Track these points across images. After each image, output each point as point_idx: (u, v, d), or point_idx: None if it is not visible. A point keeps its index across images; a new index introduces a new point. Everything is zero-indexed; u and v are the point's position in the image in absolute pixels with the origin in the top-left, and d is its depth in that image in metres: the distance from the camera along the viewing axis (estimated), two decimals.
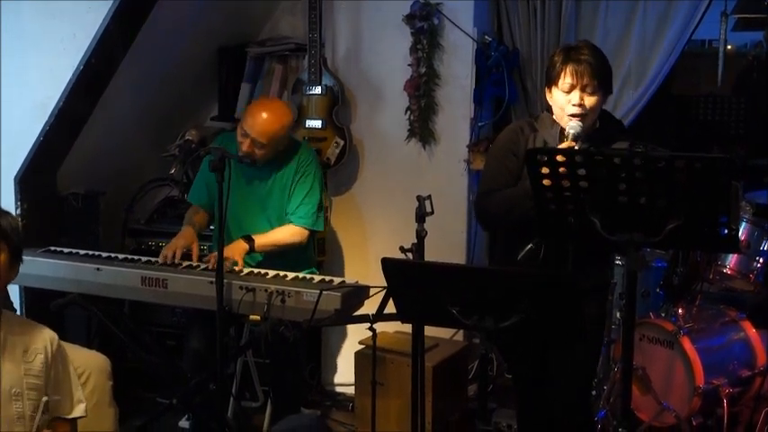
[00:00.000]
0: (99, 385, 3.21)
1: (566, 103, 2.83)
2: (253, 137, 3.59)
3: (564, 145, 2.78)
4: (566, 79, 2.83)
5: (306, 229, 3.73)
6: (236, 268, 3.50)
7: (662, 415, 3.73)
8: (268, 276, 3.48)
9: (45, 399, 2.58)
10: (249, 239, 3.61)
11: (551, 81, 2.88)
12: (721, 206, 2.33)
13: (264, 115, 3.62)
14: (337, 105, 4.30)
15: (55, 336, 2.65)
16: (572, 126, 2.80)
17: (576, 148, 2.76)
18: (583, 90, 2.82)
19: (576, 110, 2.82)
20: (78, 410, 2.68)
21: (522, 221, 2.77)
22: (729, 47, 6.11)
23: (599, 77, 2.82)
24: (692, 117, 6.10)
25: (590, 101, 2.83)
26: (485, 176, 3.13)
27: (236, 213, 3.73)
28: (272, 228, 3.74)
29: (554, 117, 2.92)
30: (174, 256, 3.54)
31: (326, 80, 4.27)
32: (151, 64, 4.20)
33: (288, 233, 3.71)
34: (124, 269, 3.53)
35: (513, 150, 2.96)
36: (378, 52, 4.34)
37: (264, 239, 3.66)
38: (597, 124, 2.93)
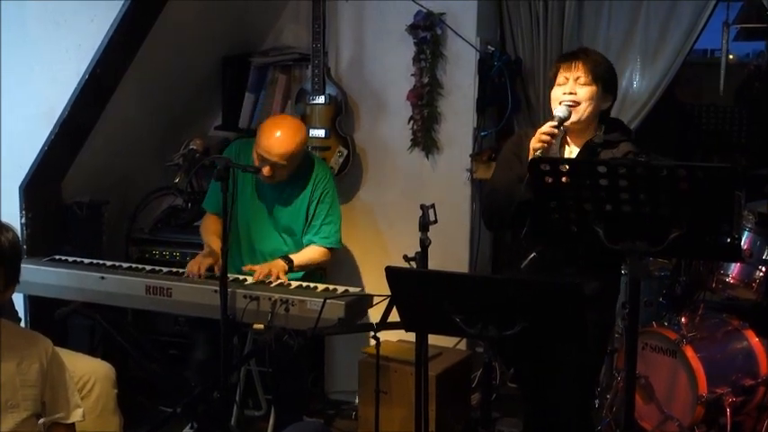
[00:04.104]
0: (104, 393, 3.21)
1: (560, 94, 2.91)
2: (273, 161, 3.59)
3: (546, 126, 2.83)
4: (561, 74, 2.92)
5: (330, 248, 3.79)
6: (285, 283, 3.52)
7: (665, 424, 3.73)
8: (272, 285, 3.50)
9: (45, 419, 2.59)
10: (287, 259, 3.65)
11: (552, 83, 2.96)
12: (724, 215, 2.34)
13: (279, 135, 3.59)
14: (341, 115, 4.31)
15: (50, 343, 2.66)
16: (559, 110, 2.88)
17: (555, 127, 2.82)
18: (575, 81, 2.89)
19: (567, 97, 2.88)
20: (76, 415, 2.69)
21: (513, 206, 2.84)
22: (731, 57, 6.13)
23: (592, 71, 2.88)
24: (693, 126, 6.12)
25: (582, 91, 2.88)
26: (491, 178, 3.20)
27: (248, 226, 3.76)
28: (284, 242, 3.78)
29: None
30: (199, 272, 3.58)
31: (330, 89, 4.27)
32: (155, 73, 4.21)
33: (318, 253, 3.77)
34: (128, 278, 3.54)
35: (517, 154, 3.02)
36: (381, 62, 4.36)
37: (300, 259, 3.71)
38: (602, 131, 2.94)
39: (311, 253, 3.76)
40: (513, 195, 2.89)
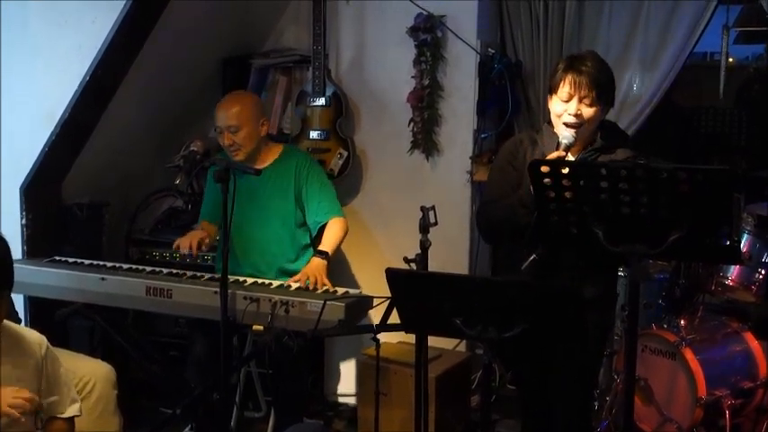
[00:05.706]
0: (104, 394, 3.22)
1: (562, 111, 2.85)
2: (226, 125, 3.67)
3: (554, 154, 2.79)
4: (564, 88, 2.84)
5: (341, 216, 3.81)
6: (330, 290, 3.51)
7: (664, 426, 3.73)
8: (272, 286, 3.50)
9: (42, 401, 2.60)
10: (322, 253, 3.66)
11: (552, 89, 2.90)
12: (723, 217, 2.34)
13: (225, 100, 3.79)
14: (341, 117, 4.32)
15: (44, 339, 2.67)
16: (565, 136, 2.83)
17: (566, 157, 2.79)
18: (580, 101, 2.83)
19: (571, 119, 2.83)
20: (73, 409, 2.70)
21: (518, 230, 2.80)
22: (731, 59, 6.14)
23: (598, 89, 2.82)
24: (693, 129, 6.12)
25: (587, 112, 2.83)
26: (485, 188, 3.19)
27: (238, 225, 3.74)
28: (276, 235, 3.78)
29: (553, 128, 2.93)
30: (190, 246, 3.59)
31: (330, 91, 4.28)
32: (156, 75, 4.22)
33: (338, 225, 3.78)
34: (128, 279, 3.54)
35: (512, 162, 2.99)
36: (381, 64, 4.36)
37: (331, 245, 3.72)
38: (599, 136, 2.94)
39: (333, 230, 3.76)
40: (515, 219, 2.85)
